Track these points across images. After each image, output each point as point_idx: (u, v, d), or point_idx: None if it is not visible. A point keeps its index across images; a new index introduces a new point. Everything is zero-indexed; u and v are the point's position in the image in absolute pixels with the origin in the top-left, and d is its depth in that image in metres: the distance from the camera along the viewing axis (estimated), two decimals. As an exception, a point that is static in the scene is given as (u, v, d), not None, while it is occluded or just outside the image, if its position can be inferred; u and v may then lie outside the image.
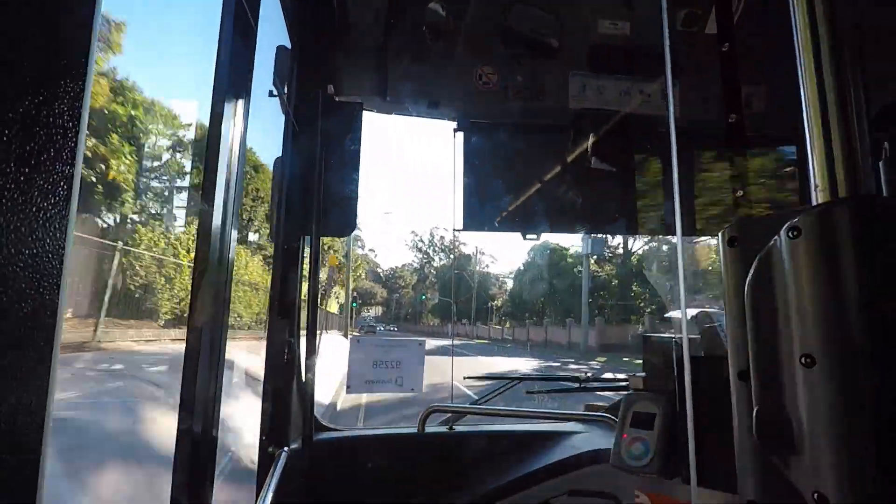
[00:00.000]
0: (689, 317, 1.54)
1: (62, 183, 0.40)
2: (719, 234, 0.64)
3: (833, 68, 0.56)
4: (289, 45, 1.75)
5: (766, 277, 0.56)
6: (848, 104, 0.55)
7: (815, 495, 0.49)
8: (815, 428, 0.50)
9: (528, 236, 2.03)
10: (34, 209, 0.37)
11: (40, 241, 0.38)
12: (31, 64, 0.37)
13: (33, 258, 0.37)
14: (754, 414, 0.57)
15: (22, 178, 0.36)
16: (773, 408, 0.55)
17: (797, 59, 0.58)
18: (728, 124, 1.86)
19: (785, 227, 0.53)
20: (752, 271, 0.58)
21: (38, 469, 0.39)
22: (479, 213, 2.03)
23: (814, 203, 0.55)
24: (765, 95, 1.99)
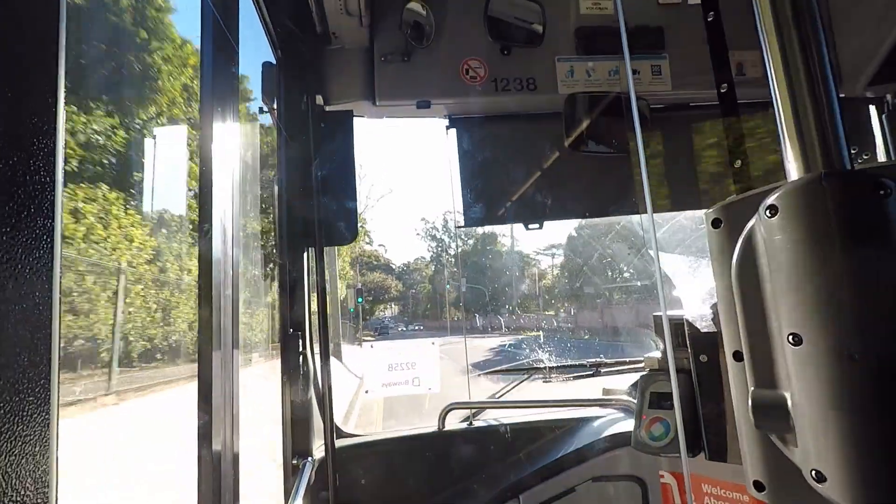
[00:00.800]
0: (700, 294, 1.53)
1: (46, 195, 0.40)
2: (703, 216, 0.64)
3: (798, 41, 0.55)
4: (274, 61, 1.75)
5: (750, 257, 0.56)
6: (816, 77, 0.54)
7: (813, 472, 0.49)
8: (807, 406, 0.50)
9: (530, 227, 2.02)
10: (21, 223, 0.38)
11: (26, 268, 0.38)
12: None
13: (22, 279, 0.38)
14: (749, 394, 0.56)
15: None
16: (767, 387, 0.54)
17: (759, 36, 0.57)
18: (720, 94, 1.84)
19: (762, 206, 0.53)
20: (735, 252, 0.58)
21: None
22: (478, 208, 2.02)
23: (789, 180, 0.55)
24: (759, 61, 1.96)
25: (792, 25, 0.55)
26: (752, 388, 0.56)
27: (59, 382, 0.41)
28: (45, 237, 0.40)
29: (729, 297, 0.59)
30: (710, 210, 0.63)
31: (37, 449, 0.38)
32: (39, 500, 0.38)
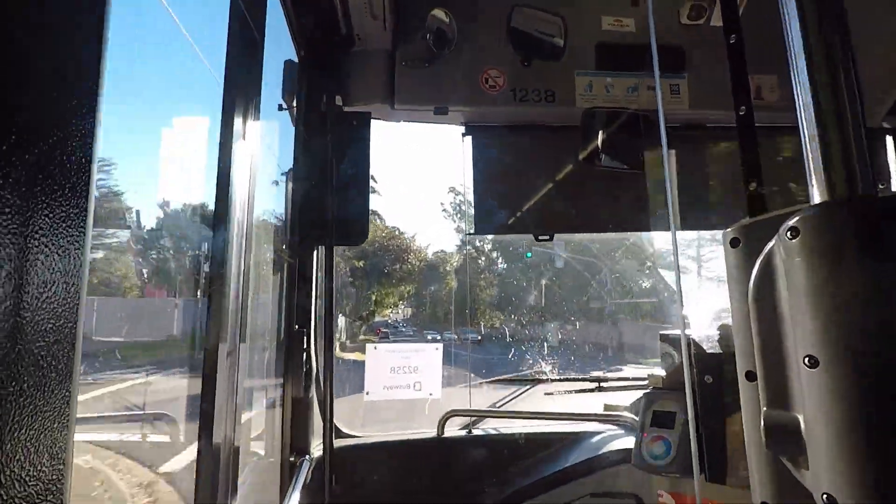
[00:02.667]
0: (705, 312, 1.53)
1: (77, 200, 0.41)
2: (722, 235, 0.64)
3: (827, 68, 0.55)
4: (296, 60, 1.77)
5: (768, 279, 0.56)
6: (843, 104, 0.54)
7: (825, 496, 0.49)
8: (821, 429, 0.50)
9: (540, 238, 2.02)
10: (50, 229, 0.39)
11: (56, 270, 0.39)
12: (41, 103, 0.38)
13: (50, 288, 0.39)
14: (762, 415, 0.56)
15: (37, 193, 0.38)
16: (780, 409, 0.54)
17: (789, 60, 0.58)
18: (738, 116, 1.84)
19: (783, 227, 0.53)
20: (754, 273, 0.58)
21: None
22: (490, 216, 2.03)
23: (812, 203, 0.55)
24: (777, 85, 1.96)
25: (823, 51, 0.55)
26: (765, 409, 0.56)
27: (79, 364, 0.42)
28: (77, 229, 0.42)
29: (744, 316, 0.59)
30: (729, 230, 0.63)
31: (55, 426, 0.39)
32: (55, 476, 0.39)
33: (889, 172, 2.19)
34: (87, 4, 0.43)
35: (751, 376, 0.59)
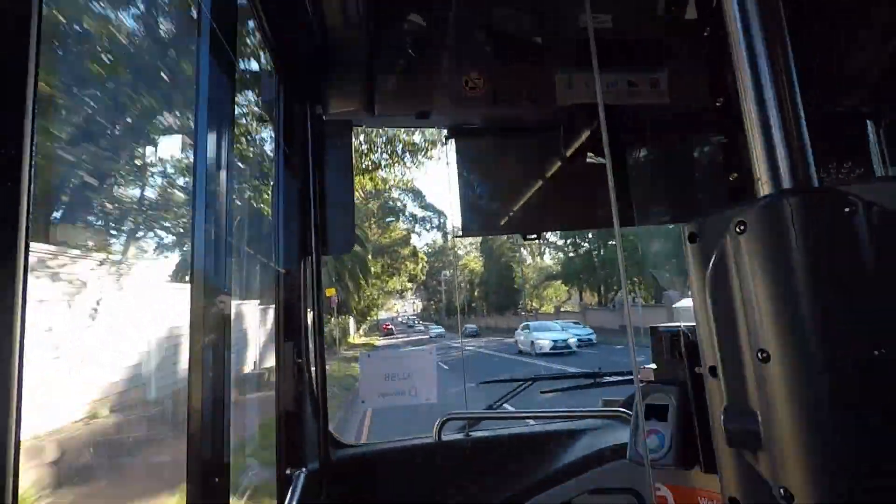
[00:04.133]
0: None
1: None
2: (681, 229, 0.63)
3: (768, 60, 0.55)
4: (273, 69, 1.77)
5: (722, 273, 0.56)
6: (784, 94, 0.54)
7: (782, 490, 0.49)
8: (775, 423, 0.50)
9: (528, 237, 2.02)
10: None
11: None
12: None
13: None
14: (722, 409, 0.56)
15: None
16: (739, 403, 0.54)
17: (731, 51, 0.58)
18: (716, 108, 1.85)
19: (732, 222, 0.53)
20: (709, 267, 0.58)
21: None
22: (477, 218, 2.03)
23: (759, 196, 0.55)
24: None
25: (762, 43, 0.55)
26: (725, 404, 0.56)
27: (21, 363, 0.42)
28: (10, 230, 0.42)
29: (705, 312, 0.59)
30: (688, 224, 0.63)
31: None
32: None
33: (871, 158, 2.20)
34: (13, 6, 0.43)
35: (713, 372, 0.59)
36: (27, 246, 0.43)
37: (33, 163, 0.43)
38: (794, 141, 0.54)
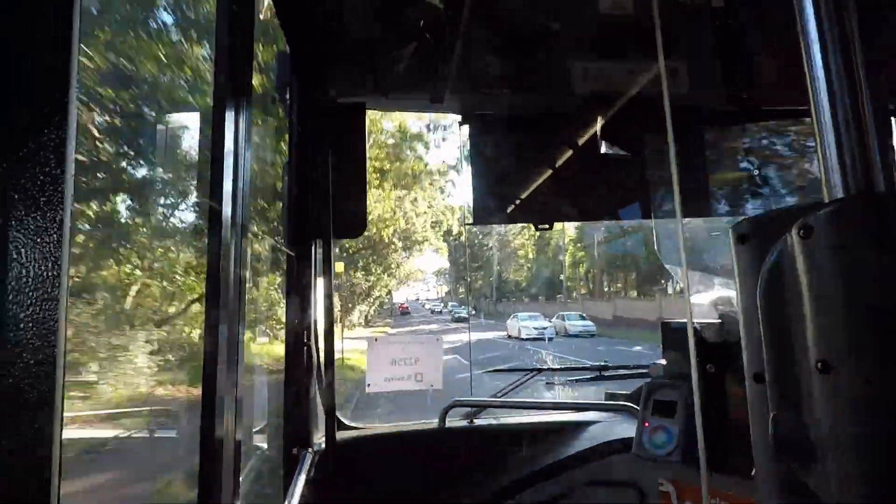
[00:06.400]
0: (707, 301, 1.51)
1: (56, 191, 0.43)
2: (730, 231, 0.61)
3: (842, 61, 0.52)
4: (288, 52, 1.75)
5: (778, 278, 0.53)
6: (859, 98, 0.51)
7: None
8: (834, 437, 0.47)
9: (540, 226, 2.01)
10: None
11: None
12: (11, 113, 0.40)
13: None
14: (770, 419, 0.54)
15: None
16: (789, 413, 0.52)
17: (803, 55, 0.54)
18: (735, 99, 1.81)
19: (795, 225, 0.50)
20: (763, 271, 0.55)
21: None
22: (489, 206, 2.02)
23: (826, 200, 0.52)
24: (774, 68, 1.92)
25: (837, 48, 0.52)
26: (773, 413, 0.54)
27: (64, 372, 0.43)
28: (54, 231, 0.43)
29: (753, 316, 0.56)
30: (738, 224, 0.60)
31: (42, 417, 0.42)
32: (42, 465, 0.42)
33: None
34: (55, 12, 0.43)
35: (759, 378, 0.56)
36: (71, 236, 0.44)
37: (73, 152, 0.44)
38: (870, 141, 0.51)
